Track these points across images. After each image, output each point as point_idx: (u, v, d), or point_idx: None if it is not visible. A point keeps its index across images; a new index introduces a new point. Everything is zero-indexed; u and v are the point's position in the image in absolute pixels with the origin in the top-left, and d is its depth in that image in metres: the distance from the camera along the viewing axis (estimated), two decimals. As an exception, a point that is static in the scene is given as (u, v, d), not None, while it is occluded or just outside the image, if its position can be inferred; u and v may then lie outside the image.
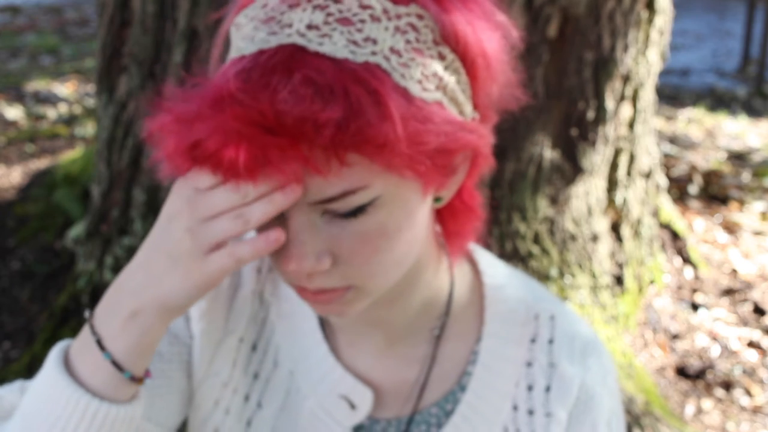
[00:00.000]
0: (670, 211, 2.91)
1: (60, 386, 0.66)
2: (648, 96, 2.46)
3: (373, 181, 0.61)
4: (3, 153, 3.99)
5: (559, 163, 2.24)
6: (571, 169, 2.26)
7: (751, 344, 2.50)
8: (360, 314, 0.73)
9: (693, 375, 2.34)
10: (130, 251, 2.29)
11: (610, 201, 2.44)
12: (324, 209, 0.63)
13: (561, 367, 0.83)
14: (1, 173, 3.64)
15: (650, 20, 2.32)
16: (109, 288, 0.69)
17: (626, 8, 2.20)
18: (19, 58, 6.71)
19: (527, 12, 2.05)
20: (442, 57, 0.64)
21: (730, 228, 3.26)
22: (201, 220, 0.63)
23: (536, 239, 2.23)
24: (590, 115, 2.24)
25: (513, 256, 2.18)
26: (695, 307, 2.64)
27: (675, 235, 2.86)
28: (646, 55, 2.36)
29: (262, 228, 0.65)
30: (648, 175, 2.63)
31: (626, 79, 2.29)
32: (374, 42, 0.60)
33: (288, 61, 0.58)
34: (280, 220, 0.65)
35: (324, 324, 0.87)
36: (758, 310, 2.66)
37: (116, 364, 0.66)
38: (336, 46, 0.59)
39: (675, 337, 2.49)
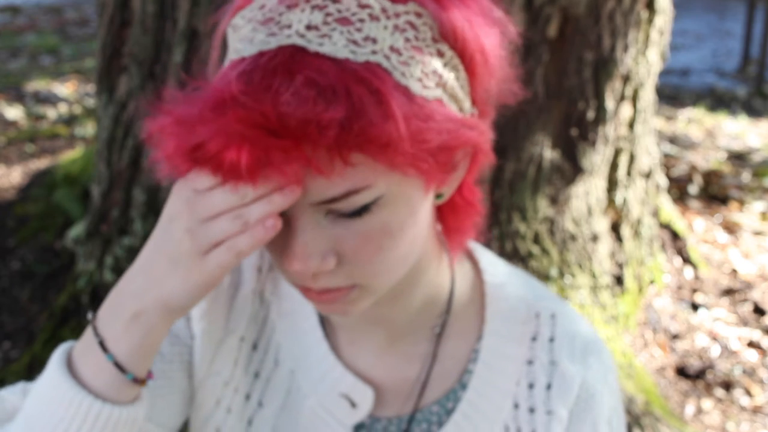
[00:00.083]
0: (670, 211, 2.91)
1: (63, 388, 0.66)
2: (648, 96, 2.46)
3: (376, 181, 0.62)
4: (3, 153, 3.99)
5: (559, 163, 2.24)
6: (571, 169, 2.26)
7: (751, 344, 2.50)
8: (362, 312, 0.74)
9: (693, 375, 2.34)
10: (130, 251, 2.29)
11: (610, 201, 2.44)
12: (328, 209, 0.63)
13: (562, 365, 0.83)
14: (1, 173, 3.64)
15: (650, 20, 2.32)
16: (111, 290, 0.70)
17: (626, 8, 2.20)
18: (19, 58, 6.71)
19: (527, 12, 2.05)
20: (441, 54, 0.64)
21: (730, 228, 3.26)
22: (200, 221, 0.63)
23: (536, 239, 2.23)
24: (590, 115, 2.24)
25: (513, 256, 2.19)
26: (695, 307, 2.64)
27: (675, 235, 2.86)
28: (646, 55, 2.36)
29: None
30: (648, 175, 2.63)
31: (626, 79, 2.29)
32: (374, 41, 0.60)
33: (289, 62, 0.58)
34: (284, 221, 0.65)
35: (324, 322, 0.88)
36: (758, 310, 2.66)
37: (119, 366, 0.66)
38: (336, 46, 0.59)
39: (675, 337, 2.49)
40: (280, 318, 0.88)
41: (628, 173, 2.47)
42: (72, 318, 2.34)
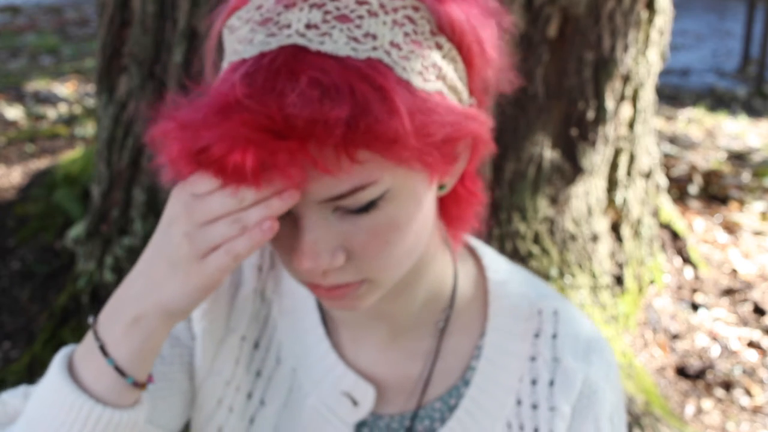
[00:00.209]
0: (670, 211, 2.91)
1: (64, 392, 0.67)
2: (648, 96, 2.46)
3: (382, 176, 0.62)
4: (3, 153, 3.99)
5: (559, 163, 2.24)
6: (571, 169, 2.26)
7: (751, 344, 2.50)
8: (369, 306, 0.74)
9: (693, 375, 2.34)
10: (130, 251, 2.29)
11: (610, 201, 2.45)
12: (335, 206, 0.64)
13: (565, 362, 0.83)
14: (1, 173, 3.64)
15: (650, 20, 2.32)
16: (113, 294, 0.70)
17: (626, 8, 2.20)
18: (19, 58, 6.71)
19: (527, 12, 2.05)
20: (439, 47, 0.64)
21: (730, 228, 3.26)
22: (198, 225, 0.63)
23: (536, 239, 2.23)
24: (590, 115, 2.24)
25: (513, 256, 2.18)
26: (695, 307, 2.64)
27: (675, 235, 2.86)
28: (646, 55, 2.36)
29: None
30: (648, 175, 2.63)
31: (626, 79, 2.29)
32: (374, 37, 0.60)
33: (291, 62, 0.58)
34: (292, 220, 0.65)
35: (326, 320, 0.88)
36: (758, 310, 2.66)
37: (119, 370, 0.67)
38: (337, 44, 0.59)
39: (675, 337, 2.49)
40: (282, 316, 0.89)
41: (628, 173, 2.47)
42: (72, 318, 2.34)
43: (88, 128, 4.41)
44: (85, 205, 2.82)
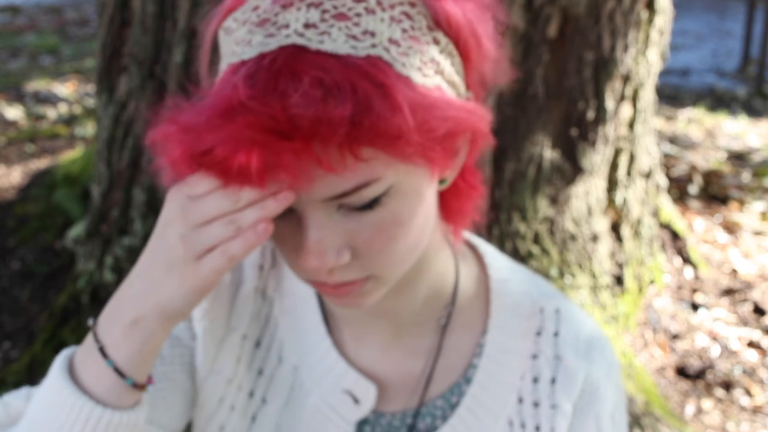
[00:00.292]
0: (670, 211, 2.91)
1: (64, 394, 0.67)
2: (648, 96, 2.46)
3: (385, 172, 0.62)
4: (3, 153, 3.99)
5: (559, 163, 2.24)
6: (571, 169, 2.26)
7: (751, 344, 2.50)
8: (375, 303, 0.74)
9: (693, 375, 2.34)
10: (130, 251, 2.29)
11: (610, 201, 2.45)
12: (339, 204, 0.64)
13: (566, 360, 0.83)
14: (1, 173, 3.64)
15: (650, 20, 2.32)
16: (112, 296, 0.70)
17: (626, 8, 2.20)
18: (19, 58, 6.71)
19: (527, 12, 2.05)
20: (436, 42, 0.65)
21: (730, 228, 3.26)
22: (193, 227, 0.63)
23: (536, 239, 2.23)
24: (590, 115, 2.24)
25: (513, 256, 2.18)
26: (695, 307, 2.64)
27: (675, 235, 2.86)
28: (646, 55, 2.36)
29: (276, 228, 0.66)
30: (648, 175, 2.63)
31: (626, 79, 2.29)
32: (372, 34, 0.60)
33: (292, 62, 0.58)
34: (296, 219, 0.65)
35: (328, 318, 0.88)
36: (758, 310, 2.66)
37: (119, 372, 0.67)
38: (336, 42, 0.59)
39: (675, 337, 2.49)
40: (283, 315, 0.89)
41: (628, 173, 2.47)
42: (72, 318, 2.34)
43: (88, 128, 4.41)
44: (85, 205, 2.82)
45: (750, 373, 2.37)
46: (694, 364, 2.38)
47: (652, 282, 2.62)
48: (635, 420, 1.99)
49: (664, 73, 2.88)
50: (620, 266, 2.46)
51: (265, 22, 0.61)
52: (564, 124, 2.22)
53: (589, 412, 0.83)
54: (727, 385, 2.31)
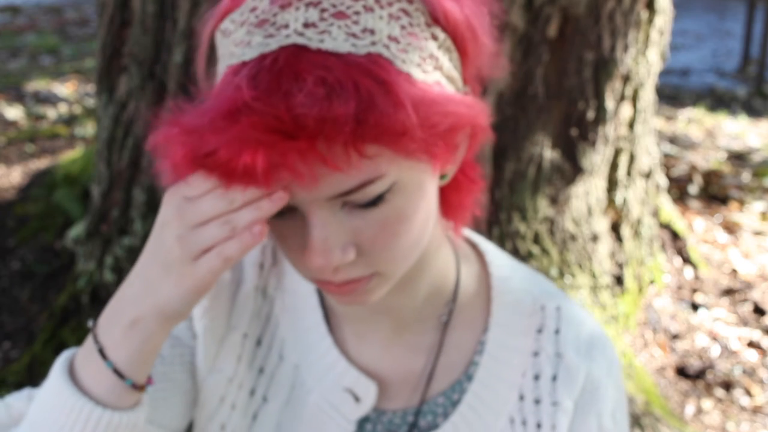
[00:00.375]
0: (670, 211, 2.91)
1: (65, 395, 0.68)
2: (648, 96, 2.46)
3: (389, 169, 0.62)
4: (3, 153, 3.99)
5: (559, 163, 2.24)
6: (571, 169, 2.26)
7: (751, 344, 2.50)
8: (379, 300, 0.74)
9: (693, 375, 2.34)
10: (130, 251, 2.29)
11: (610, 201, 2.45)
12: (343, 201, 0.64)
13: (567, 357, 0.84)
14: (1, 173, 3.64)
15: (650, 20, 2.32)
16: (112, 297, 0.71)
17: (626, 8, 2.20)
18: (19, 58, 6.71)
19: (527, 12, 2.05)
20: (435, 38, 0.65)
21: (730, 228, 3.26)
22: (190, 228, 0.64)
23: (536, 239, 2.23)
24: (590, 115, 2.24)
25: (513, 256, 2.18)
26: (695, 307, 2.64)
27: (675, 235, 2.86)
28: (646, 55, 2.36)
29: (277, 227, 0.66)
30: (648, 175, 2.63)
31: (626, 79, 2.29)
32: (372, 32, 0.60)
33: (293, 62, 0.58)
34: (300, 217, 0.65)
35: (329, 317, 0.88)
36: (758, 310, 2.66)
37: (118, 373, 0.67)
38: (337, 41, 0.59)
39: (675, 337, 2.49)
40: (284, 313, 0.89)
41: (628, 173, 2.47)
42: (72, 318, 2.35)
43: (88, 128, 4.41)
44: (85, 205, 2.82)
45: (750, 373, 2.37)
46: (694, 364, 2.38)
47: (652, 282, 2.62)
48: (635, 420, 1.99)
49: (664, 73, 2.88)
50: (620, 266, 2.46)
51: (264, 23, 0.61)
52: (564, 124, 2.22)
53: (591, 410, 0.83)
54: (727, 385, 2.31)
